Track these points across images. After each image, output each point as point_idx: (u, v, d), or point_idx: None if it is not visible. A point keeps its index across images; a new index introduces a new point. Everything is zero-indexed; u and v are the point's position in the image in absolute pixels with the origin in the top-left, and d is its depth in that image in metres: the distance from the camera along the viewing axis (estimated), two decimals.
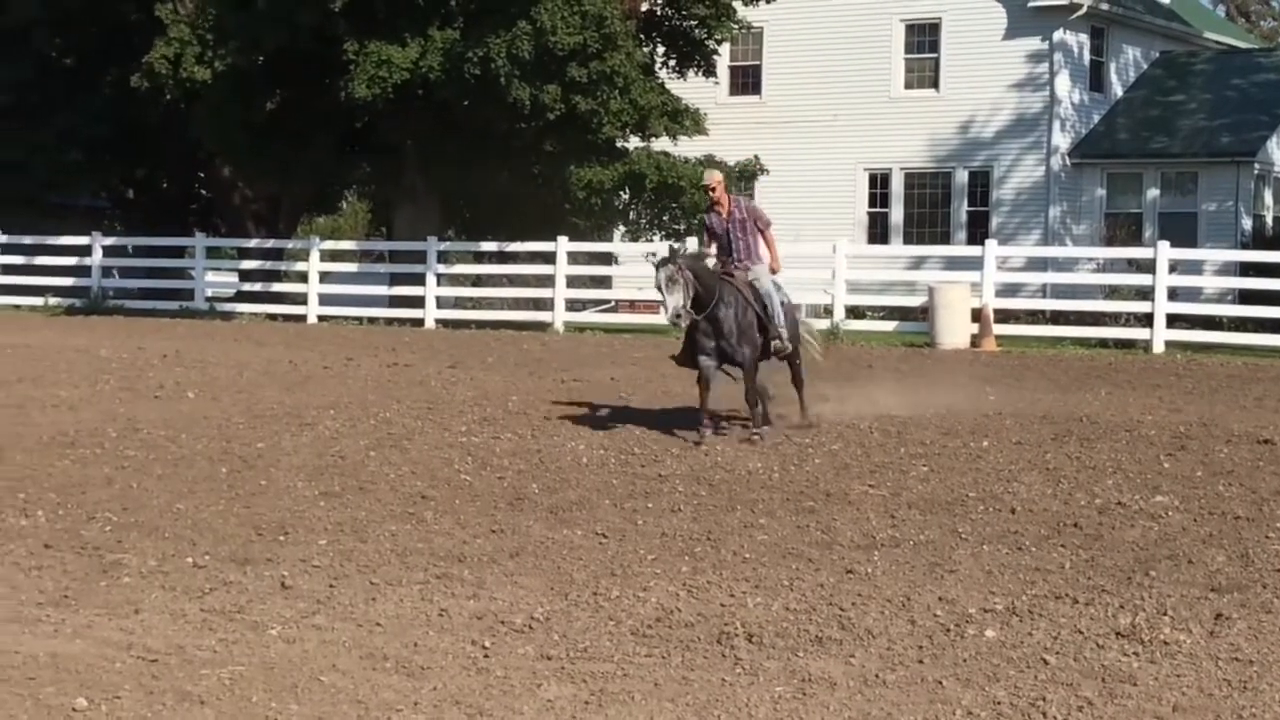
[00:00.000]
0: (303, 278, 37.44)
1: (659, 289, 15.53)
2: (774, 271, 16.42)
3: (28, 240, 40.33)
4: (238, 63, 33.62)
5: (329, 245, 40.07)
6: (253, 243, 41.18)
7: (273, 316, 36.32)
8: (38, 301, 39.06)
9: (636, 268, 30.69)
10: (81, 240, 39.65)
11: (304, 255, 37.73)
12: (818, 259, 32.61)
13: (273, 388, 20.11)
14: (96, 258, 39.47)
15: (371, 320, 35.27)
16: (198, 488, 12.64)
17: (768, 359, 16.20)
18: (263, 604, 9.00)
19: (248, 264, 40.65)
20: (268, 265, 39.89)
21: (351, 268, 40.87)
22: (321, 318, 35.81)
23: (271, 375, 21.83)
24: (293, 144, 35.25)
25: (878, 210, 40.36)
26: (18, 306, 39.00)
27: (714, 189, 16.26)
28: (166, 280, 40.17)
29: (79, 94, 40.80)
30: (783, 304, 16.28)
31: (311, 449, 14.75)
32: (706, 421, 15.68)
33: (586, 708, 7.17)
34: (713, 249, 16.43)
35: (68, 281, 39.64)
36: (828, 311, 31.77)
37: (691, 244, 32.64)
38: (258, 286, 39.20)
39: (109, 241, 40.46)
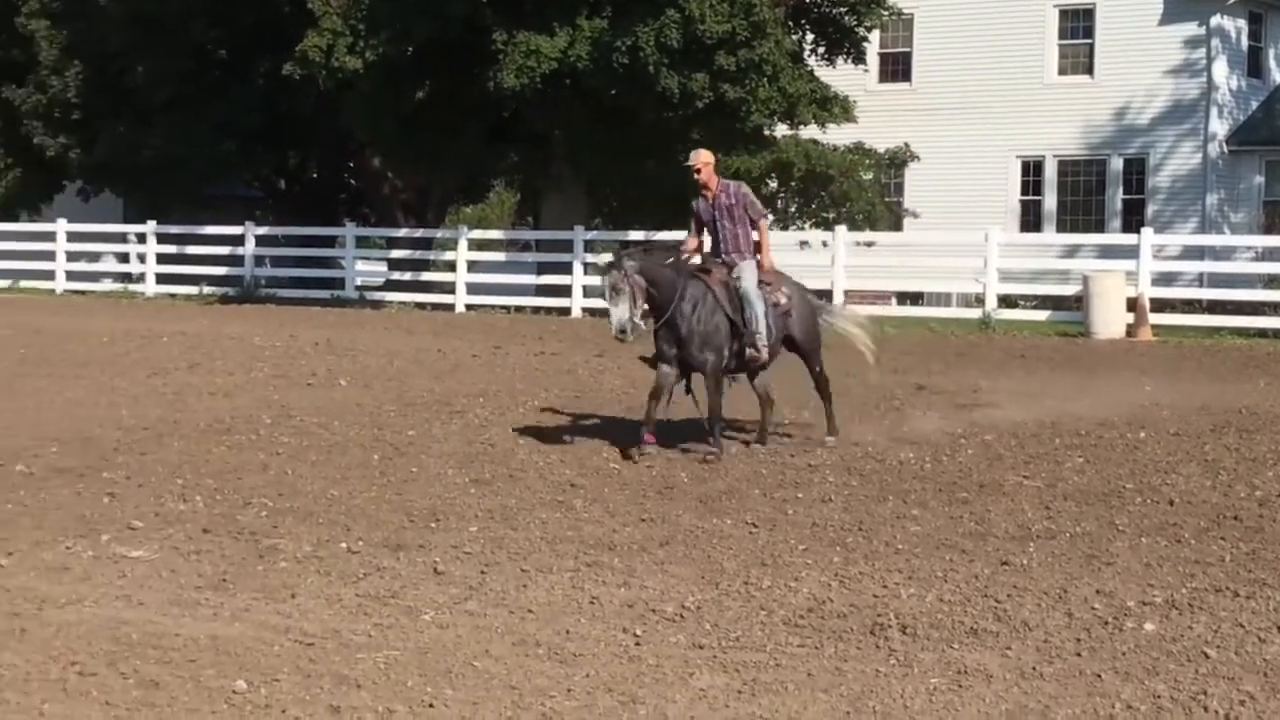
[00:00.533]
0: (451, 267, 37.76)
1: (604, 298, 13.78)
2: (763, 269, 14.45)
3: (182, 230, 40.99)
4: (388, 53, 33.91)
5: (477, 235, 40.28)
6: (402, 232, 41.62)
7: (421, 305, 36.64)
8: (193, 290, 39.77)
9: (785, 255, 30.52)
10: (235, 230, 40.25)
11: (452, 245, 38.01)
12: (969, 247, 32.43)
13: (422, 376, 20.29)
14: (249, 247, 40.04)
15: (518, 309, 35.46)
16: (350, 474, 12.77)
17: (755, 370, 14.46)
18: (416, 589, 9.06)
19: (397, 253, 41.14)
20: (416, 255, 40.35)
21: (499, 257, 41.11)
22: (469, 307, 36.07)
23: (421, 363, 22.02)
24: (442, 134, 35.53)
25: (1030, 198, 39.85)
26: (174, 295, 39.73)
27: (699, 170, 14.67)
28: (317, 269, 40.67)
29: (233, 85, 41.40)
30: (778, 304, 14.35)
31: (461, 437, 14.85)
32: (649, 438, 13.72)
33: (739, 697, 7.13)
34: (691, 243, 14.76)
35: (221, 271, 40.34)
36: (979, 300, 31.49)
37: (842, 233, 32.64)
38: (407, 276, 39.67)
39: (261, 231, 41.02)
